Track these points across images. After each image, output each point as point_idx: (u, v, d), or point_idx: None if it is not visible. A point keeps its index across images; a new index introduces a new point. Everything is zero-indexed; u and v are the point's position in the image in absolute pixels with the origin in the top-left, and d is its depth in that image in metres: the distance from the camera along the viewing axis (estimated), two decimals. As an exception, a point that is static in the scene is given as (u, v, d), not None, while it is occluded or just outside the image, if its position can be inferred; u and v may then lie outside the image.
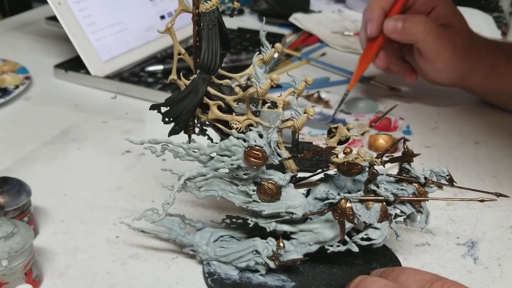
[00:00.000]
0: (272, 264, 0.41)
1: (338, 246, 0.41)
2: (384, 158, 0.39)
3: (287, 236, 0.42)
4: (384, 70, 0.73)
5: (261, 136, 0.37)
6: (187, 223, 0.44)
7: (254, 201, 0.39)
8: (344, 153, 0.39)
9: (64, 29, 0.76)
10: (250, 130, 0.37)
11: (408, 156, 0.40)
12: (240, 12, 1.18)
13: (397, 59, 0.71)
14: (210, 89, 0.39)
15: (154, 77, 0.78)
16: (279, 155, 0.38)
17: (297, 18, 1.06)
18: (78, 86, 0.79)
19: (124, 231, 0.48)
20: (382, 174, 0.40)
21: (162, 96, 0.71)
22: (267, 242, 0.41)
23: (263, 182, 0.39)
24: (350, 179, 0.40)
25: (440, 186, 0.41)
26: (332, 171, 0.40)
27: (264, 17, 0.43)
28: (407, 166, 0.41)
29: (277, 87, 0.38)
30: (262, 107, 0.40)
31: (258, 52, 0.39)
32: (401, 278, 0.37)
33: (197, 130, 0.42)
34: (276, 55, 0.39)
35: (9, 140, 0.64)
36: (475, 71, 0.68)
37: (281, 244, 0.41)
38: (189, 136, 0.41)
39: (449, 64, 0.66)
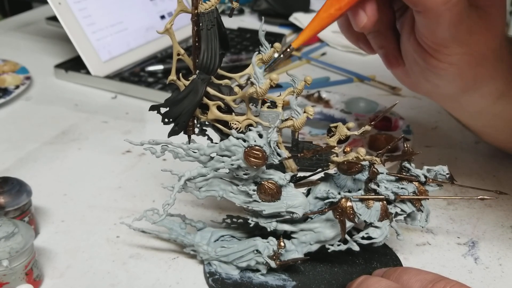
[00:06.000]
0: (273, 264, 0.41)
1: (338, 245, 0.41)
2: (384, 157, 0.39)
3: (287, 235, 0.42)
4: (355, 42, 0.49)
5: (260, 136, 0.37)
6: (188, 223, 0.44)
7: (255, 201, 0.39)
8: (344, 152, 0.39)
9: (64, 29, 0.77)
10: (250, 130, 0.37)
11: (408, 155, 0.40)
12: (240, 12, 1.18)
13: (386, 23, 0.45)
14: (209, 90, 0.39)
15: (154, 77, 0.78)
16: (279, 154, 0.38)
17: (297, 18, 1.06)
18: (78, 86, 0.79)
19: (124, 231, 0.48)
20: (382, 173, 0.40)
21: (162, 96, 0.71)
22: (267, 242, 0.41)
23: (263, 182, 0.39)
24: (351, 178, 0.40)
25: (440, 184, 0.41)
26: (332, 170, 0.40)
27: (263, 17, 0.43)
28: (407, 165, 0.41)
29: (276, 86, 0.37)
30: (261, 107, 0.40)
31: (257, 52, 0.39)
32: (403, 278, 0.37)
33: (196, 130, 0.42)
34: (275, 54, 0.39)
35: (10, 140, 0.64)
36: (485, 85, 0.46)
37: (282, 244, 0.41)
38: (189, 137, 0.41)
39: (456, 66, 0.42)
